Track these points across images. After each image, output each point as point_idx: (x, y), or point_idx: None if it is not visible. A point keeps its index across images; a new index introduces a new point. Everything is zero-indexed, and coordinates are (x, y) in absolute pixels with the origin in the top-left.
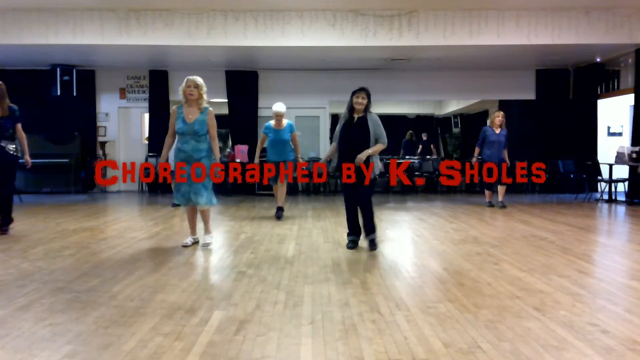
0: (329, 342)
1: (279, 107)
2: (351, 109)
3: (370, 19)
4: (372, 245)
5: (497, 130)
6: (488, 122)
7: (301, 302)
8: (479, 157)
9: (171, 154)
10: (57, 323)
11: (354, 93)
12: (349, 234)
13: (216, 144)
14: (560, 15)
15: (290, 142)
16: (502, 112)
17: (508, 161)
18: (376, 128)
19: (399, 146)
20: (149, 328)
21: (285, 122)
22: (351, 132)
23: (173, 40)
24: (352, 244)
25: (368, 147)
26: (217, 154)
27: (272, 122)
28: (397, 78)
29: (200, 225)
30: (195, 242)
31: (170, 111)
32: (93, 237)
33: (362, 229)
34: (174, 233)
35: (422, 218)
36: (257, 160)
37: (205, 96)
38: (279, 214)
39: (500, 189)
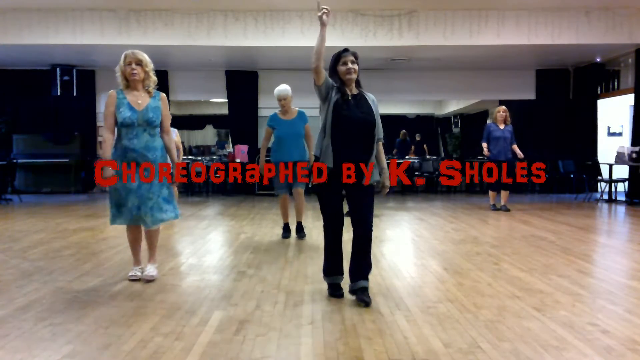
0: (329, 342)
1: (282, 89)
2: (335, 80)
3: (370, 19)
4: (366, 297)
5: (502, 126)
6: (489, 120)
7: (301, 302)
8: (491, 154)
9: None
10: (57, 323)
11: (339, 56)
12: (330, 274)
13: (172, 140)
14: (560, 15)
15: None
16: (503, 107)
17: (521, 153)
18: (378, 116)
19: (393, 146)
20: (149, 328)
21: (295, 110)
22: (353, 114)
23: (173, 40)
24: (340, 291)
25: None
26: (174, 154)
27: (278, 112)
28: (397, 78)
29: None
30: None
31: (108, 97)
32: (93, 237)
33: (351, 269)
34: (173, 233)
35: (422, 218)
36: (262, 163)
37: (153, 76)
38: (302, 234)
39: (503, 194)
